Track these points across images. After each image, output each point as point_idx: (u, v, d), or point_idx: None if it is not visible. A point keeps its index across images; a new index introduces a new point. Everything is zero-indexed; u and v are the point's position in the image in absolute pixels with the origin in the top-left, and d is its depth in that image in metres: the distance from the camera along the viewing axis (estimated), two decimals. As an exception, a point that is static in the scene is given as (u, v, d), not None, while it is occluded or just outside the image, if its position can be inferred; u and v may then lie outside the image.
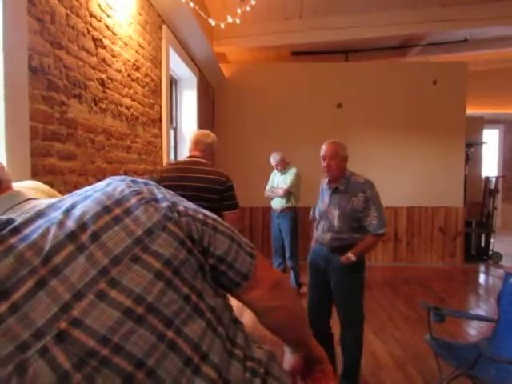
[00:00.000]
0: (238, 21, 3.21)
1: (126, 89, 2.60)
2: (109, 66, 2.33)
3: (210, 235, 0.74)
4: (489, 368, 2.28)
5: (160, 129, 3.32)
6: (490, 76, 7.05)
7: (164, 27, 3.34)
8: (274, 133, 5.88)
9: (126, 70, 2.58)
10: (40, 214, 0.67)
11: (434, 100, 5.89)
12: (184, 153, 4.52)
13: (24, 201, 0.81)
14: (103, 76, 2.26)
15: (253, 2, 3.32)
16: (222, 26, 3.17)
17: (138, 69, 2.79)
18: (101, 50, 2.23)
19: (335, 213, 2.49)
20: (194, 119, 4.63)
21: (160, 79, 3.29)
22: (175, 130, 4.58)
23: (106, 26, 2.30)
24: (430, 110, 5.90)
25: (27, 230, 0.63)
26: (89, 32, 2.09)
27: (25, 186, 1.04)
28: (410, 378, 2.79)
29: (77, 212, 0.65)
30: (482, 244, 6.50)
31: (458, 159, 5.97)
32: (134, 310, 0.61)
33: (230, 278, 0.76)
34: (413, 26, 5.21)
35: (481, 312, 4.31)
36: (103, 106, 2.27)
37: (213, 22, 3.25)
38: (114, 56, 2.40)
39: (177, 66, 4.13)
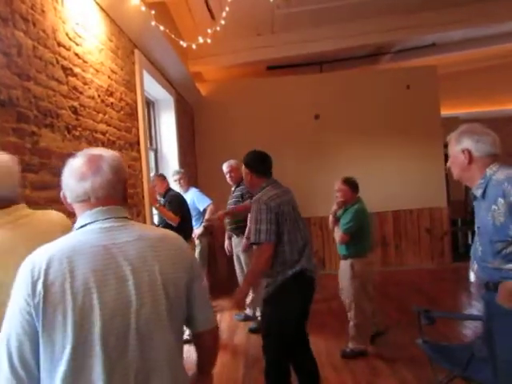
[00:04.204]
0: (209, 41, 3.25)
1: (101, 114, 2.60)
2: (81, 93, 2.33)
3: None
4: (483, 368, 2.27)
5: (139, 151, 3.31)
6: (461, 77, 7.25)
7: (136, 51, 3.36)
8: (254, 147, 5.89)
9: (99, 96, 2.58)
10: None
11: (409, 104, 6.02)
12: (167, 173, 4.49)
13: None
14: (75, 104, 2.26)
15: (222, 22, 3.38)
16: (194, 46, 3.21)
17: (111, 94, 2.79)
18: (71, 79, 2.23)
19: (478, 231, 1.80)
20: (174, 139, 4.64)
21: (135, 102, 3.30)
22: (155, 151, 4.58)
23: (76, 54, 2.30)
24: (407, 113, 6.02)
25: None
26: (58, 61, 2.09)
27: None
28: (405, 383, 2.78)
29: None
30: (470, 241, 6.58)
31: (437, 160, 6.07)
32: None
33: None
34: (382, 34, 5.36)
35: (474, 310, 4.31)
36: (77, 133, 2.26)
37: (184, 44, 3.29)
38: (85, 83, 2.40)
39: (152, 88, 4.15)
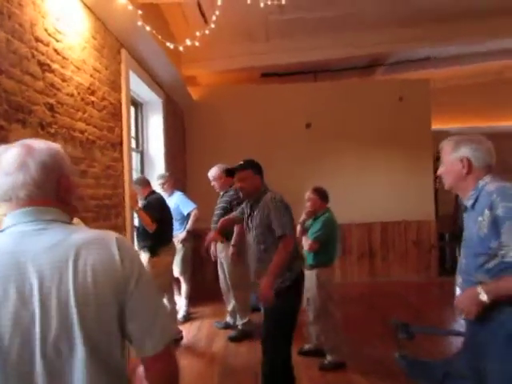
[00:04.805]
0: (197, 43, 3.22)
1: (80, 113, 2.55)
2: (58, 90, 2.28)
3: None
4: (460, 385, 2.21)
5: (121, 152, 3.26)
6: (454, 91, 7.29)
7: (123, 51, 3.32)
8: (245, 154, 5.84)
9: (79, 93, 2.54)
10: None
11: (401, 116, 6.03)
12: (153, 176, 4.44)
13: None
14: (52, 100, 2.21)
15: (212, 26, 3.36)
16: (181, 48, 3.18)
17: (93, 93, 2.74)
18: (48, 75, 2.18)
19: (464, 243, 1.73)
20: (161, 142, 4.59)
21: (120, 103, 3.25)
22: (142, 153, 4.53)
23: (55, 50, 2.26)
24: (398, 126, 6.03)
25: None
26: (34, 56, 2.05)
27: None
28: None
29: None
30: (458, 256, 6.54)
31: (427, 173, 6.07)
32: None
33: None
34: (377, 46, 5.37)
35: (459, 326, 4.26)
36: (52, 130, 2.20)
37: (171, 46, 3.25)
38: (64, 80, 2.36)
39: (140, 89, 4.11)
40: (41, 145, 0.93)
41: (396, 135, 6.03)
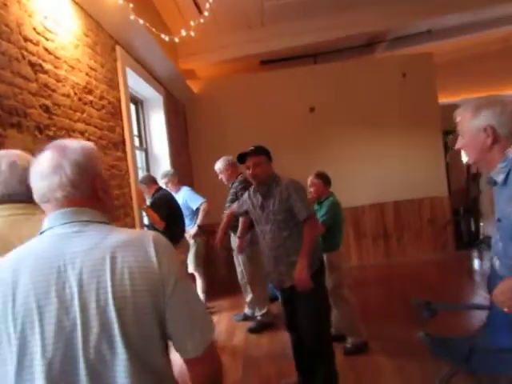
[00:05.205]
0: (192, 34, 3.14)
1: (78, 113, 2.50)
2: (53, 91, 2.23)
3: None
4: (486, 360, 2.15)
5: (124, 151, 3.21)
6: (460, 63, 7.10)
7: (118, 48, 3.25)
8: (250, 143, 5.76)
9: (75, 94, 2.48)
10: None
11: (406, 93, 5.88)
12: (159, 173, 4.39)
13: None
14: (47, 102, 2.15)
15: (206, 13, 3.27)
16: (177, 40, 3.10)
17: (90, 92, 2.69)
18: (41, 75, 2.13)
19: (498, 224, 1.54)
20: (165, 138, 4.53)
21: (119, 101, 3.19)
22: (146, 151, 4.48)
23: (46, 49, 2.20)
24: (403, 103, 5.88)
25: None
26: (24, 57, 1.99)
27: None
28: (409, 381, 2.66)
29: None
30: (473, 229, 6.43)
31: (437, 148, 5.94)
32: None
33: None
34: (375, 22, 5.22)
35: (480, 299, 4.18)
36: (50, 133, 2.15)
37: (166, 38, 3.18)
38: (59, 80, 2.30)
39: (139, 86, 4.05)
40: (74, 144, 0.93)
41: (402, 113, 5.88)
